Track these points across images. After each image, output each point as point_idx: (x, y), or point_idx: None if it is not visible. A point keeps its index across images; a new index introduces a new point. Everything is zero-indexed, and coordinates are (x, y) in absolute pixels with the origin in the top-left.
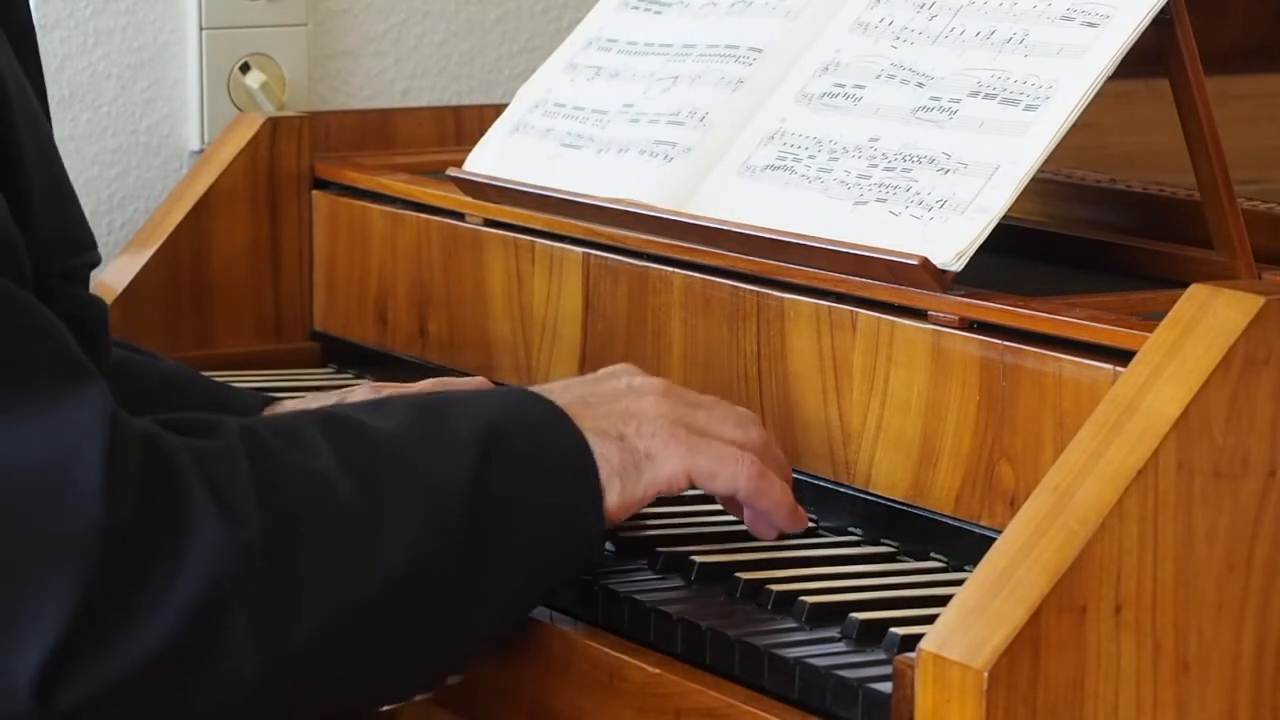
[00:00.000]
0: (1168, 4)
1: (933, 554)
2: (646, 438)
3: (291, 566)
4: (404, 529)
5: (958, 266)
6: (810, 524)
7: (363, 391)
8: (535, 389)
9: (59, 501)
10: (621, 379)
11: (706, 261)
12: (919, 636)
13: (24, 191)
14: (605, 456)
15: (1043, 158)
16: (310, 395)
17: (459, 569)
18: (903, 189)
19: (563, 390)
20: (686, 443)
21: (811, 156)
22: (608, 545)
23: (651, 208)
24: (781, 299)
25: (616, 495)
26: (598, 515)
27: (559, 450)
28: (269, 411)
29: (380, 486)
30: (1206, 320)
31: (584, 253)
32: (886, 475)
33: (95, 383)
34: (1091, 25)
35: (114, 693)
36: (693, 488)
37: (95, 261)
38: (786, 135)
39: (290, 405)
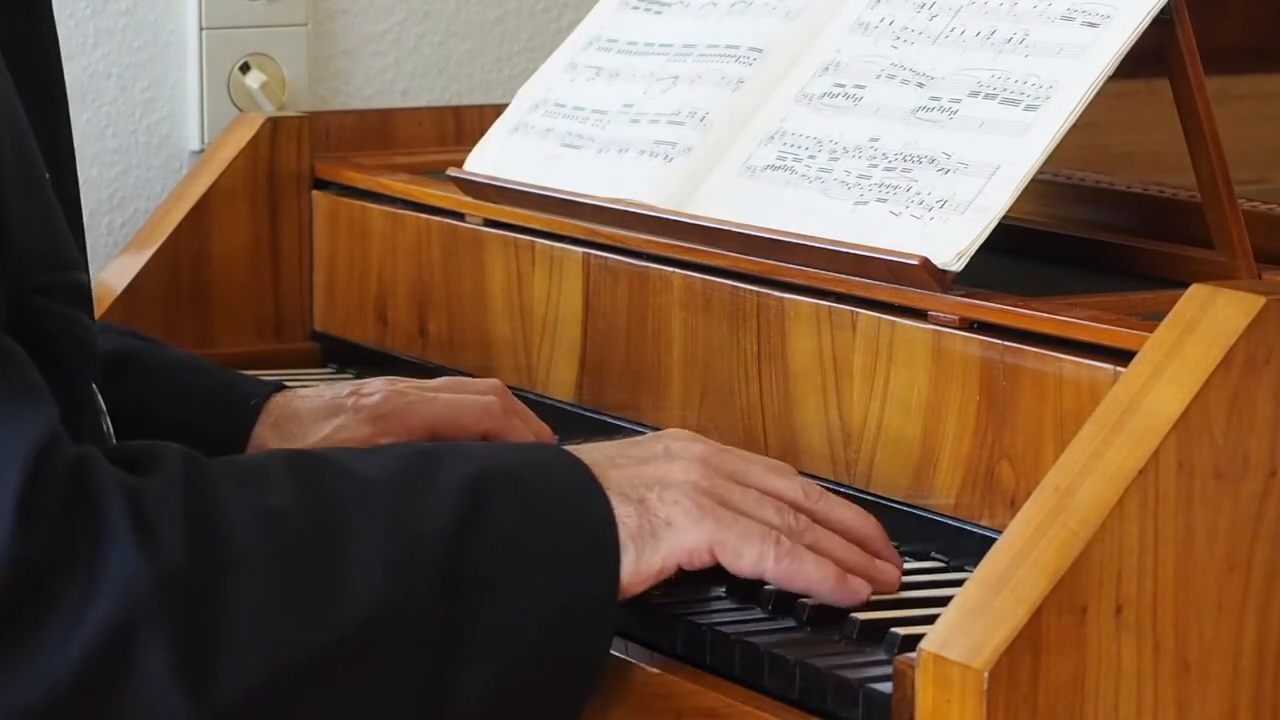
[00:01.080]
0: (1168, 4)
1: (933, 554)
2: (669, 505)
3: (221, 605)
4: (366, 578)
5: (958, 266)
6: None
7: (379, 384)
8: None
9: None
10: (661, 443)
11: (706, 261)
12: (919, 636)
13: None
14: (622, 520)
15: (1043, 158)
16: (323, 385)
17: (432, 626)
18: (903, 189)
19: (591, 450)
20: (713, 515)
21: (812, 156)
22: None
23: (651, 208)
24: (781, 299)
25: (631, 563)
26: (612, 580)
27: (571, 503)
28: (281, 398)
29: (343, 531)
30: (1207, 320)
31: (584, 253)
32: (886, 475)
33: (35, 405)
34: (1091, 25)
35: None
36: (716, 564)
37: (80, 282)
38: (786, 135)
39: (303, 393)
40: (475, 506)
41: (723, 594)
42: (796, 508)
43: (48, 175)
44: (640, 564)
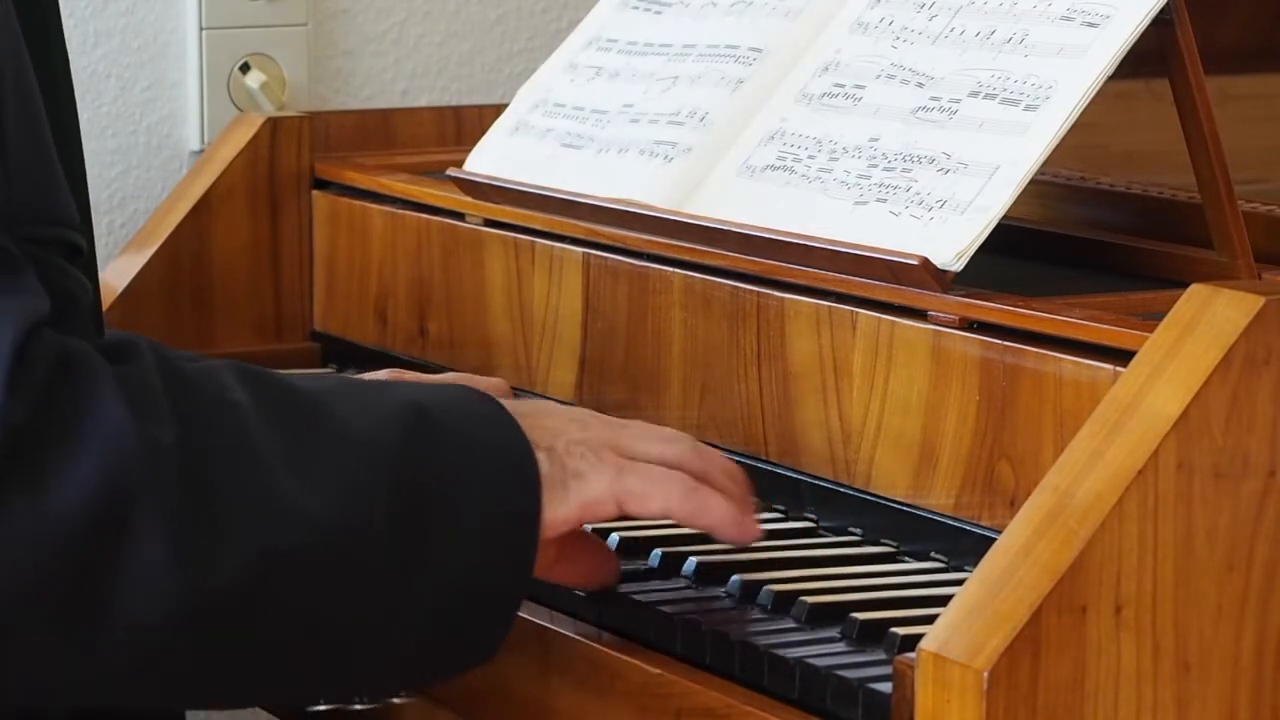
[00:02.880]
0: (1168, 4)
1: (933, 554)
2: (575, 458)
3: (210, 485)
4: (326, 476)
5: (958, 266)
6: (810, 523)
7: (384, 375)
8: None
9: None
10: (545, 406)
11: (706, 261)
12: (919, 636)
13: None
14: (540, 462)
15: (1043, 158)
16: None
17: (388, 531)
18: (903, 189)
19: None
20: (614, 464)
21: (811, 156)
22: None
23: (651, 208)
24: (781, 299)
25: (547, 509)
26: (536, 512)
27: (498, 436)
28: None
29: (299, 431)
30: (1206, 320)
31: (584, 253)
32: (886, 475)
33: (21, 278)
34: (1091, 25)
35: (22, 583)
36: (623, 516)
37: (74, 242)
38: (786, 135)
39: None
40: (411, 430)
41: (722, 594)
42: (685, 462)
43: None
44: (552, 512)
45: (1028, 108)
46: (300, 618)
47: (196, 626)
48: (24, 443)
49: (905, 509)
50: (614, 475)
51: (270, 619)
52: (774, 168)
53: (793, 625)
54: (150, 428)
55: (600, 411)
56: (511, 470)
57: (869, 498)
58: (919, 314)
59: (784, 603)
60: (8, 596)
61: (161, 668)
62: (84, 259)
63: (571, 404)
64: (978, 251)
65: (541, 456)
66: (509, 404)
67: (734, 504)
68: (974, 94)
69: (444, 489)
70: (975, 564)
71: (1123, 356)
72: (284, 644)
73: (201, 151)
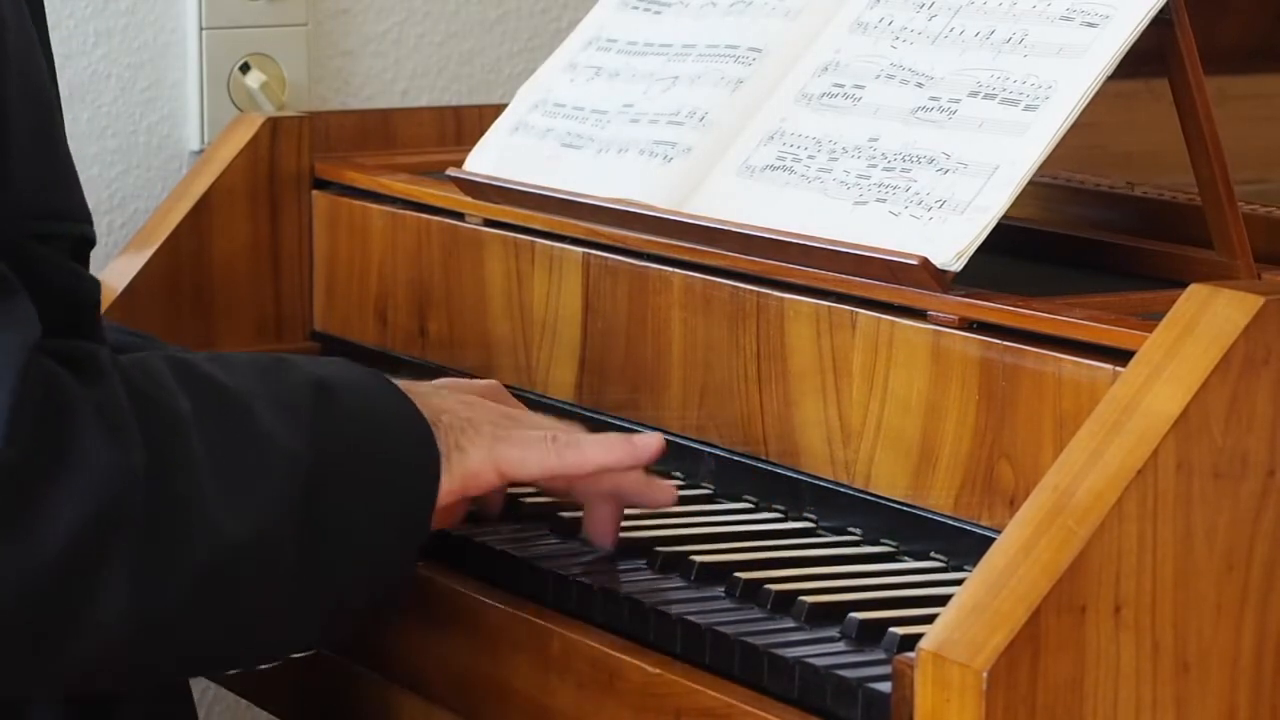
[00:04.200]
0: (1168, 4)
1: (933, 554)
2: (456, 431)
3: (165, 506)
4: (249, 488)
5: (958, 266)
6: (810, 523)
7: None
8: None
9: None
10: (434, 388)
11: (706, 261)
12: (919, 636)
13: (1, 145)
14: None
15: (1042, 158)
16: None
17: (305, 525)
18: (902, 189)
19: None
20: (491, 435)
21: (811, 156)
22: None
23: (651, 208)
24: (781, 299)
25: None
26: (432, 491)
27: (399, 416)
28: None
29: (229, 441)
30: (1206, 320)
31: (584, 253)
32: (886, 475)
33: (18, 303)
34: (1091, 25)
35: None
36: (510, 483)
37: (85, 235)
38: (786, 135)
39: None
40: (327, 405)
41: (722, 593)
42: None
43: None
44: (441, 484)
45: (1027, 108)
46: (232, 615)
47: (145, 638)
48: (12, 482)
49: (905, 509)
50: (490, 445)
51: (205, 621)
52: (774, 168)
53: (793, 625)
54: (124, 457)
55: (600, 412)
56: (414, 441)
57: (869, 498)
58: (919, 314)
59: (784, 603)
60: None
61: (111, 670)
62: (91, 246)
63: (571, 404)
64: (978, 251)
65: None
66: (400, 383)
67: (613, 435)
68: (974, 94)
69: (354, 468)
70: (975, 564)
71: (1122, 356)
72: (217, 637)
73: (201, 151)
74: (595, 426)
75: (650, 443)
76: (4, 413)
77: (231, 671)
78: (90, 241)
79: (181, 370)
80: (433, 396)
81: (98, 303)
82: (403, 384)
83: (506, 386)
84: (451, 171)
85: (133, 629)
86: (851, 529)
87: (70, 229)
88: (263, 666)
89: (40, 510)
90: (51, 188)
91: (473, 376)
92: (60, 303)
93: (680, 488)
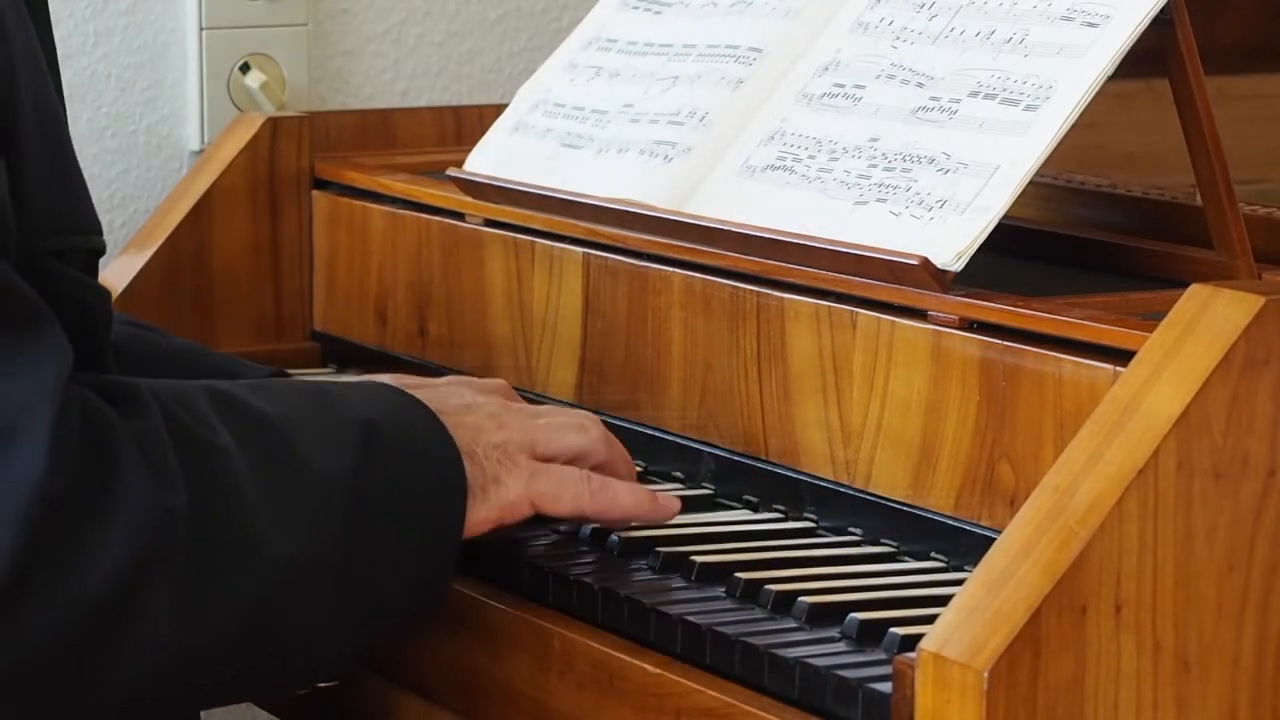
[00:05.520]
0: (1168, 4)
1: (933, 554)
2: (494, 462)
3: (208, 544)
4: (295, 515)
5: (958, 266)
6: (810, 523)
7: (386, 379)
8: (388, 381)
9: (4, 459)
10: (463, 395)
11: (706, 261)
12: (919, 636)
13: (16, 162)
14: (468, 474)
15: (1043, 158)
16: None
17: (345, 554)
18: (903, 189)
19: (414, 390)
20: (528, 468)
21: (811, 156)
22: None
23: (651, 208)
24: (781, 299)
25: (469, 514)
26: (459, 526)
27: (434, 454)
28: None
29: (274, 472)
30: (1206, 320)
31: (584, 253)
32: (886, 475)
33: (52, 332)
34: (1091, 25)
35: (36, 657)
36: (538, 515)
37: (97, 247)
38: (786, 135)
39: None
40: (363, 454)
41: (722, 594)
42: (595, 449)
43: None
44: (474, 514)
45: (1028, 108)
46: (272, 644)
47: (186, 671)
48: (58, 516)
49: (905, 509)
50: (528, 479)
51: (249, 650)
52: (774, 168)
53: (793, 625)
54: (166, 495)
55: (600, 412)
56: (443, 481)
57: (869, 498)
58: (919, 314)
59: (784, 603)
60: (22, 667)
61: (155, 701)
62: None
63: (571, 404)
64: (978, 251)
65: (465, 463)
66: (427, 395)
67: (643, 489)
68: (974, 94)
69: (391, 506)
70: (975, 564)
71: (1123, 356)
72: (253, 665)
73: (201, 151)
74: None
75: (673, 506)
76: (45, 443)
77: (266, 700)
78: (100, 252)
79: (222, 403)
80: (468, 414)
81: (110, 314)
82: (434, 396)
83: None
84: (451, 171)
85: (176, 661)
86: (852, 529)
87: (82, 242)
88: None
89: (86, 546)
90: (63, 201)
91: (473, 376)
92: (74, 317)
93: (680, 488)
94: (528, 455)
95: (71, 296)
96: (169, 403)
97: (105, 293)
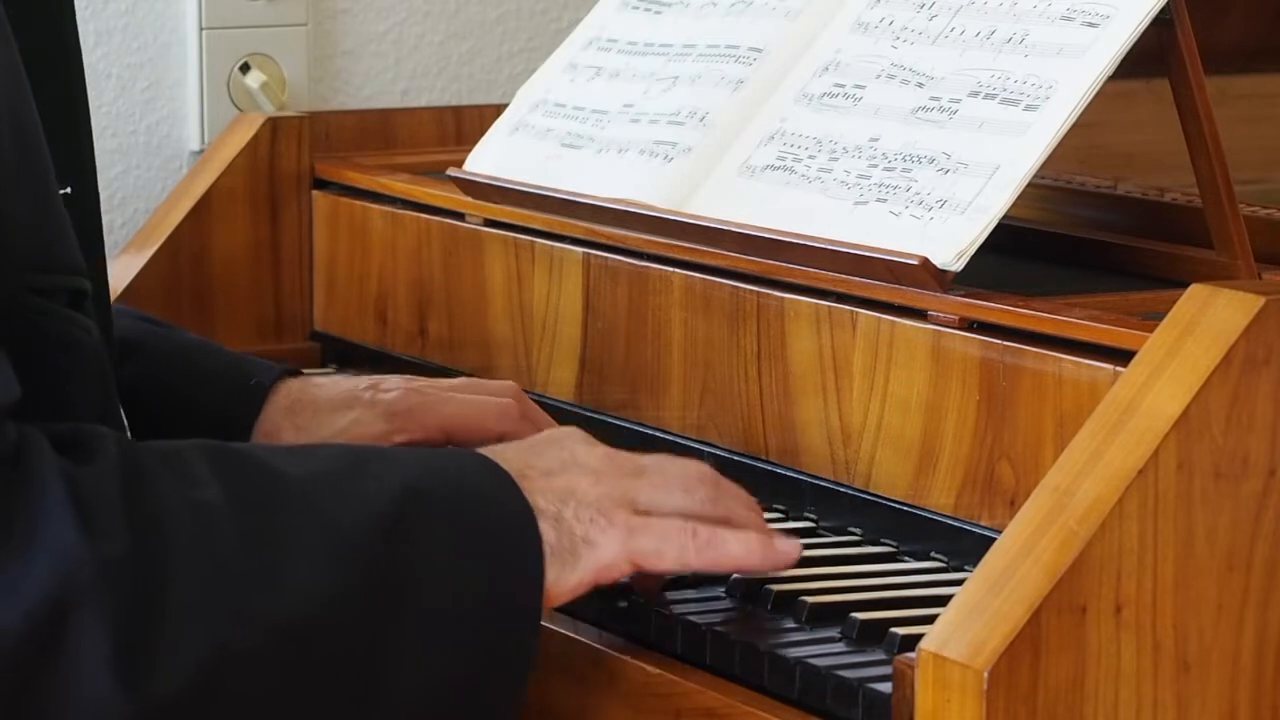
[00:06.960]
0: (1168, 4)
1: (933, 554)
2: (585, 522)
3: (159, 596)
4: (294, 579)
5: (958, 266)
6: (810, 523)
7: (396, 380)
8: (493, 451)
9: None
10: (565, 448)
11: (706, 261)
12: (919, 636)
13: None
14: (545, 537)
15: (1043, 158)
16: (340, 375)
17: (361, 632)
18: (903, 189)
19: (503, 457)
20: (625, 525)
21: (811, 156)
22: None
23: (651, 208)
24: (781, 299)
25: (552, 581)
26: (536, 598)
27: (498, 517)
28: (297, 384)
29: (274, 527)
30: (1206, 320)
31: (584, 253)
32: (886, 475)
33: None
34: (1091, 25)
35: None
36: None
37: (79, 288)
38: (786, 135)
39: (320, 381)
40: (402, 518)
41: (722, 594)
42: (703, 514)
43: (68, 189)
44: (560, 582)
45: (1028, 108)
46: (261, 715)
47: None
48: None
49: (905, 509)
50: (625, 537)
51: (234, 710)
52: (774, 168)
53: (793, 625)
54: (98, 542)
55: (600, 412)
56: (511, 547)
57: (869, 498)
58: (919, 314)
59: (784, 603)
60: None
61: None
62: (88, 299)
63: (571, 404)
64: (978, 251)
65: (547, 527)
66: (518, 454)
67: (754, 535)
68: (974, 94)
69: (427, 577)
70: (975, 564)
71: (1123, 356)
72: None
73: (201, 151)
74: (595, 426)
75: (791, 551)
76: None
77: None
78: (85, 294)
79: (223, 459)
80: (560, 475)
81: (107, 346)
82: (527, 455)
83: None
84: (451, 171)
85: (133, 711)
86: (852, 529)
87: (66, 282)
88: None
89: (5, 572)
90: (45, 240)
91: (472, 377)
92: (58, 354)
93: None
94: (628, 511)
95: (53, 331)
96: (143, 457)
97: (93, 327)
